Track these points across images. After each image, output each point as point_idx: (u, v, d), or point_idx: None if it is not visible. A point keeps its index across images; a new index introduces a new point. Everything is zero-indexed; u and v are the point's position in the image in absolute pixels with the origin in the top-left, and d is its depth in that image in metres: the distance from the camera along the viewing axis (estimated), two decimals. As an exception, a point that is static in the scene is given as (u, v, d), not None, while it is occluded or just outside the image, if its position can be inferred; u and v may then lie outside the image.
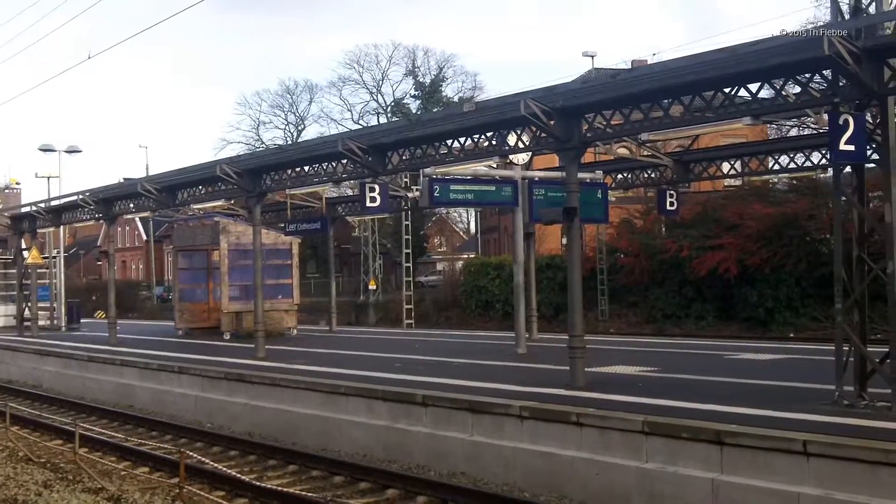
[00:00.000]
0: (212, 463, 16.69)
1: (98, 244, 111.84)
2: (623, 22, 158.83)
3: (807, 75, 14.92)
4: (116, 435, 21.62)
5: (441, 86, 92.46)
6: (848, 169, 15.59)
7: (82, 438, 18.77)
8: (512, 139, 20.57)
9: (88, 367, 31.27)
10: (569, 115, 18.37)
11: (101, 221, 40.57)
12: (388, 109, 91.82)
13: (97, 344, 35.26)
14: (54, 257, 51.09)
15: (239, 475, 16.15)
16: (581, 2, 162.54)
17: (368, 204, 24.33)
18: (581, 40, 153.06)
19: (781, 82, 15.32)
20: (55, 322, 49.51)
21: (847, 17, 14.92)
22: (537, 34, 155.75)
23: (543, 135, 19.30)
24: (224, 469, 16.43)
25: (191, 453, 16.79)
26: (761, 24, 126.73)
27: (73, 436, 18.51)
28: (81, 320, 50.86)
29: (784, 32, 15.13)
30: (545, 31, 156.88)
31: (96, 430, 21.87)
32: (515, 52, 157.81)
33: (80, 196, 37.58)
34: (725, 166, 27.21)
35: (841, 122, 14.00)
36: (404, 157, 23.06)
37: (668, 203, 27.58)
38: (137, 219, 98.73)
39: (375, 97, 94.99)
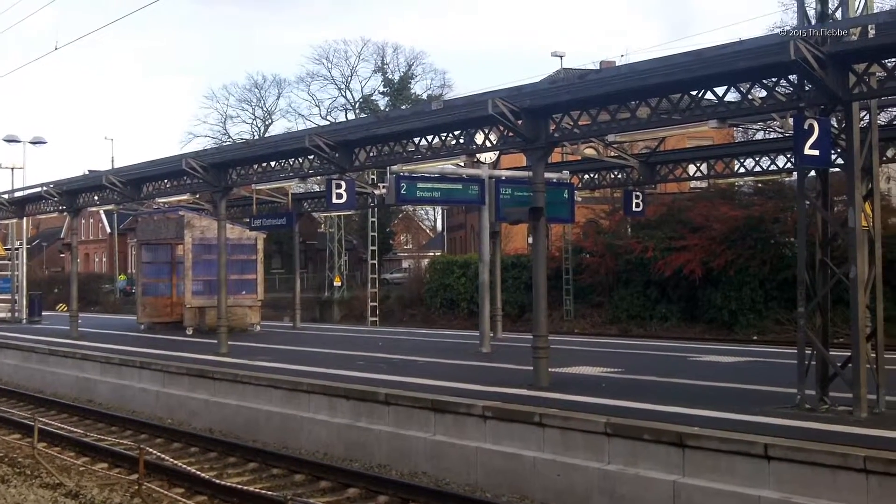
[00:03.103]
0: (171, 460, 16.59)
1: (61, 236, 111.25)
2: (594, 22, 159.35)
3: (773, 79, 14.97)
4: (76, 430, 21.40)
5: (410, 83, 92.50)
6: (812, 173, 15.66)
7: (41, 433, 18.59)
8: (479, 138, 20.56)
9: (48, 360, 31.04)
10: (536, 114, 18.37)
11: (65, 214, 40.27)
12: (357, 106, 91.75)
13: (58, 337, 34.99)
14: (16, 249, 50.74)
15: (199, 472, 16.05)
16: (551, 1, 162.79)
17: (335, 200, 24.26)
18: (551, 39, 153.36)
19: (748, 86, 15.38)
20: (16, 315, 49.16)
21: (813, 22, 14.99)
22: (507, 33, 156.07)
23: (511, 134, 19.29)
24: (184, 466, 16.30)
25: (150, 450, 16.68)
26: (734, 25, 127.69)
27: (31, 430, 18.33)
28: (43, 313, 50.53)
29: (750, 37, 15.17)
30: (515, 29, 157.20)
31: (55, 425, 21.74)
32: (484, 51, 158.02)
33: (45, 188, 37.28)
34: (691, 168, 27.29)
35: (806, 126, 14.05)
36: (371, 154, 23.00)
37: (634, 204, 27.64)
38: (101, 211, 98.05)
39: (344, 93, 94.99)
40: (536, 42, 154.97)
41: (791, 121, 16.09)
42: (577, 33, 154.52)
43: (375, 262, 56.24)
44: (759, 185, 42.89)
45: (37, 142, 53.78)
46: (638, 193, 27.69)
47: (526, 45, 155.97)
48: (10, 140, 53.13)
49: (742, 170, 26.75)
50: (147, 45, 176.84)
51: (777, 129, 24.70)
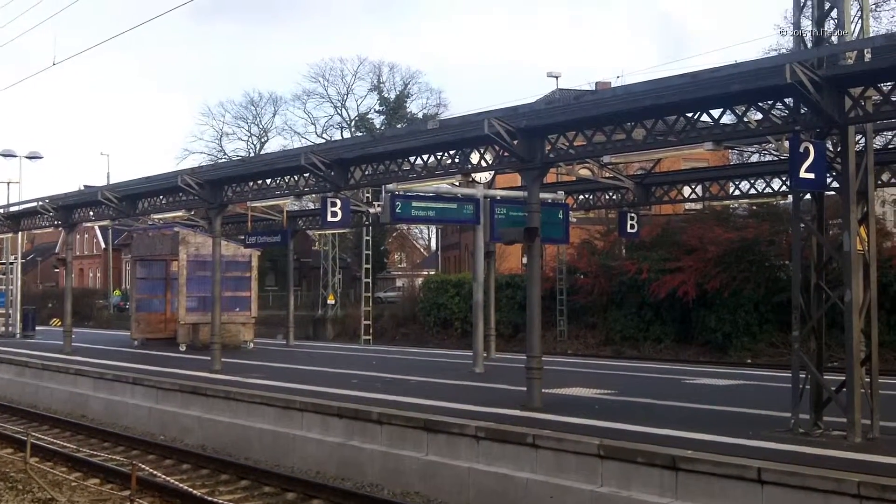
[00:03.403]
0: (163, 476, 16.48)
1: (56, 251, 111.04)
2: (590, 43, 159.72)
3: (769, 102, 14.99)
4: (68, 445, 21.36)
5: (406, 102, 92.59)
6: (808, 196, 15.66)
7: (34, 448, 18.51)
8: (475, 157, 20.57)
9: (42, 375, 30.96)
10: (532, 135, 18.38)
11: (60, 229, 40.22)
12: (352, 124, 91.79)
13: (52, 352, 34.91)
14: (11, 263, 50.68)
15: (190, 489, 15.98)
16: (547, 22, 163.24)
17: (330, 218, 24.27)
18: (546, 60, 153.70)
19: (743, 108, 15.39)
20: (10, 329, 49.06)
21: (809, 45, 15.02)
22: (502, 53, 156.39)
23: (506, 154, 19.29)
24: (175, 482, 16.21)
25: (142, 465, 16.59)
26: (730, 48, 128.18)
27: (24, 445, 18.24)
28: (37, 328, 50.42)
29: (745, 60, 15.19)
30: (510, 49, 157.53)
31: (48, 440, 21.64)
32: (480, 71, 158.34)
33: (40, 203, 37.27)
34: (686, 190, 27.31)
35: (802, 149, 14.05)
36: (367, 173, 23.00)
37: (628, 225, 27.65)
38: (96, 227, 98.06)
39: (340, 111, 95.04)
40: (532, 62, 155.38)
41: (786, 144, 16.10)
42: (573, 54, 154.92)
43: (369, 280, 56.18)
44: (754, 207, 42.90)
45: (33, 157, 53.71)
46: (633, 214, 27.70)
47: (522, 65, 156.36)
48: (7, 155, 53.02)
49: (737, 192, 26.79)
50: (144, 61, 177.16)
51: (772, 151, 24.71)
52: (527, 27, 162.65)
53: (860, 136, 15.28)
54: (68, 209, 36.23)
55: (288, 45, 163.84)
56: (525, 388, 18.75)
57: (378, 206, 30.59)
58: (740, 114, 15.47)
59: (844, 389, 14.56)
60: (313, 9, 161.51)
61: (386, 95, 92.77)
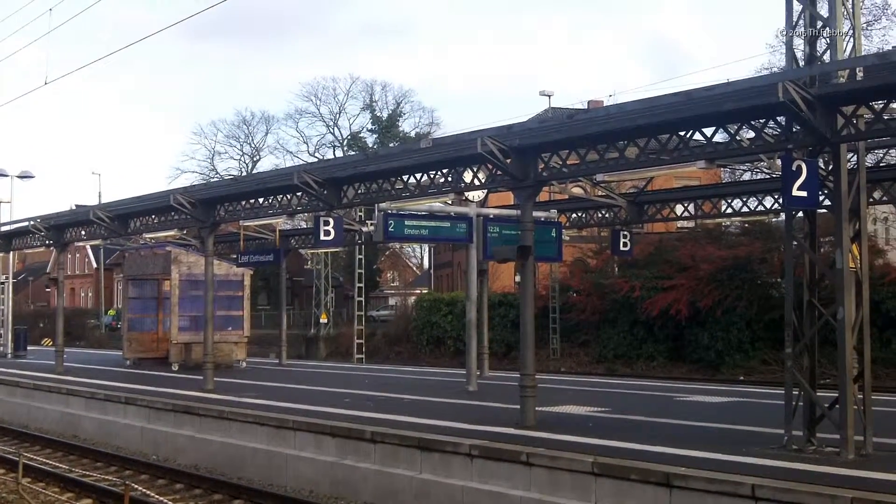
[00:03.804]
0: (156, 496, 16.46)
1: (47, 270, 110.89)
2: (583, 62, 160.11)
3: (761, 121, 15.02)
4: (61, 465, 21.29)
5: (398, 121, 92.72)
6: (800, 214, 15.70)
7: (26, 468, 18.48)
8: (468, 176, 20.55)
9: (34, 395, 30.87)
10: (525, 153, 18.40)
11: (52, 248, 40.17)
12: (345, 143, 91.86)
13: (43, 372, 34.82)
14: (2, 283, 50.56)
15: (184, 509, 15.97)
16: (540, 41, 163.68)
17: (322, 237, 24.28)
18: (539, 79, 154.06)
19: (736, 127, 15.42)
20: (1, 349, 48.91)
21: (801, 64, 15.08)
22: (495, 72, 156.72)
23: (499, 172, 19.30)
24: (169, 502, 16.20)
25: (135, 486, 16.57)
26: (722, 66, 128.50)
27: (16, 465, 18.19)
28: (28, 347, 50.25)
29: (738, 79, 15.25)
30: (503, 69, 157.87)
31: (40, 460, 21.62)
32: (473, 90, 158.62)
33: (32, 222, 37.19)
34: (679, 208, 27.34)
35: (794, 167, 14.10)
36: (360, 191, 23.00)
37: (621, 243, 27.70)
38: (88, 246, 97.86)
39: (332, 130, 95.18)
40: (525, 81, 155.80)
41: (779, 162, 16.15)
42: (566, 73, 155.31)
43: (362, 299, 56.19)
44: (746, 225, 43.02)
45: (24, 176, 53.80)
46: (625, 233, 27.75)
47: (514, 84, 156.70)
48: (-2, 174, 53.07)
49: (729, 210, 26.79)
50: (136, 81, 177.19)
51: (765, 169, 24.80)
52: (519, 47, 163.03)
53: (852, 154, 15.33)
54: (60, 228, 36.18)
55: (280, 66, 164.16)
56: (519, 406, 18.74)
57: (371, 224, 30.56)
58: (733, 132, 15.50)
59: (837, 406, 14.59)
60: (306, 30, 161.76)
61: (378, 114, 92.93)
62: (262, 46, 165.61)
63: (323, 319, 63.27)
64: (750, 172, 42.31)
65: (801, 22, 15.24)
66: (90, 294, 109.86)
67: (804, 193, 14.15)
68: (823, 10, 15.16)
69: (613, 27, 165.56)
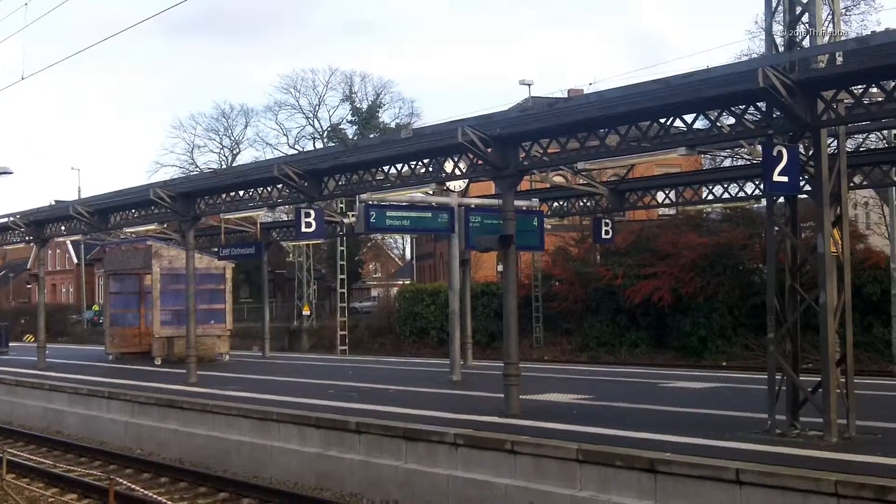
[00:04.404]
0: (141, 490, 16.44)
1: (28, 267, 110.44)
2: (562, 51, 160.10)
3: (741, 107, 15.07)
4: (45, 461, 21.25)
5: (378, 112, 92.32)
6: (781, 200, 15.73)
7: (10, 464, 18.40)
8: (449, 166, 20.55)
9: (16, 391, 30.77)
10: (506, 143, 18.40)
11: (32, 244, 40.00)
12: (325, 135, 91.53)
13: (26, 368, 34.71)
14: (-17, 280, 50.35)
15: (169, 502, 15.93)
16: (519, 31, 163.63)
17: (304, 229, 24.23)
18: (518, 68, 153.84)
19: (716, 114, 15.46)
20: (-18, 346, 48.73)
21: (781, 50, 15.10)
22: (474, 62, 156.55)
23: (480, 162, 19.30)
24: (154, 496, 16.14)
25: (120, 480, 16.56)
26: (701, 53, 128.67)
27: (0, 461, 18.14)
28: (10, 344, 50.09)
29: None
30: (482, 58, 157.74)
31: (24, 456, 21.56)
32: (453, 80, 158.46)
33: (11, 218, 37.07)
34: (660, 196, 27.38)
35: (775, 153, 14.13)
36: (340, 183, 22.96)
37: (603, 231, 27.71)
38: (68, 242, 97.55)
39: (312, 122, 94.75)
40: (504, 71, 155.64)
41: (759, 148, 16.19)
42: (545, 62, 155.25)
43: (344, 290, 56.08)
44: (728, 211, 43.16)
45: (3, 172, 53.30)
46: (607, 221, 27.77)
47: (494, 74, 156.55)
48: (-24, 170, 52.71)
49: (710, 197, 26.88)
50: (114, 76, 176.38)
51: (745, 155, 24.81)
52: (498, 37, 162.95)
53: (832, 139, 15.36)
54: (40, 224, 36.04)
55: (259, 61, 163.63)
56: (503, 395, 18.76)
57: (352, 216, 30.56)
58: (713, 119, 15.54)
59: (820, 390, 14.64)
60: (285, 26, 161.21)
61: (358, 105, 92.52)
62: (240, 42, 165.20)
63: (305, 312, 63.12)
64: (731, 159, 42.36)
65: (780, 7, 15.26)
66: (71, 290, 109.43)
67: (785, 179, 14.18)
68: (802, -5, 15.18)
69: (593, 17, 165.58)
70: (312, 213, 24.23)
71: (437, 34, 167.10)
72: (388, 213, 24.50)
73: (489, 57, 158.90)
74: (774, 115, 14.67)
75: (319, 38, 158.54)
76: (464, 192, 26.79)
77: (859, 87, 14.04)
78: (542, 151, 18.46)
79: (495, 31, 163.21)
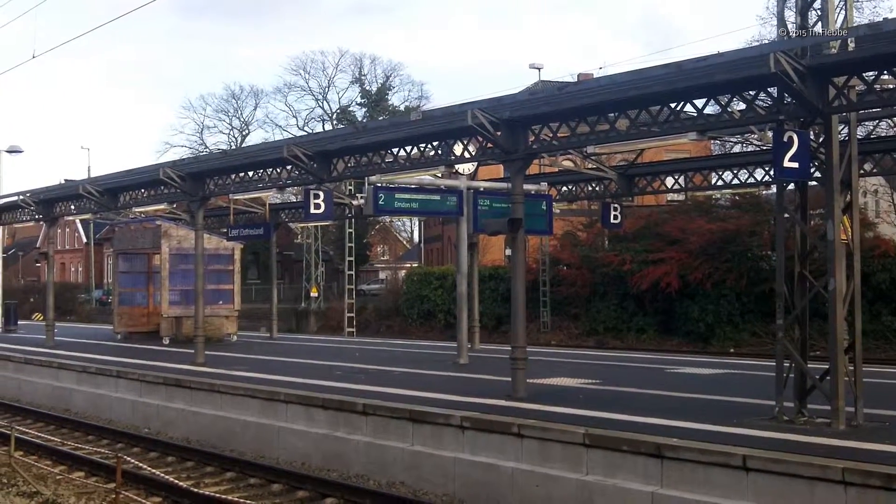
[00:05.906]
0: (149, 468, 16.49)
1: (37, 245, 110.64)
2: (572, 36, 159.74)
3: (752, 92, 15.02)
4: (53, 438, 21.29)
5: (387, 94, 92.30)
6: (791, 186, 15.70)
7: (18, 441, 18.49)
8: (458, 149, 20.54)
9: (24, 369, 30.85)
10: (515, 126, 18.37)
11: (42, 223, 40.06)
12: (334, 117, 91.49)
13: (34, 346, 34.80)
14: (-8, 258, 50.50)
15: (176, 481, 16.00)
16: (528, 16, 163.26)
17: (312, 211, 24.18)
18: (528, 52, 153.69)
19: (727, 99, 15.41)
20: (-8, 323, 48.90)
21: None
22: (484, 45, 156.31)
23: (489, 145, 19.29)
24: (161, 475, 16.23)
25: (128, 458, 16.62)
26: (712, 39, 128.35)
27: (8, 439, 18.23)
28: (18, 322, 50.24)
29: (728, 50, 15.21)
30: (492, 42, 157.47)
31: (32, 434, 21.63)
32: (462, 63, 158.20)
33: (21, 196, 37.15)
34: (669, 181, 27.28)
35: (785, 139, 14.08)
36: (350, 165, 22.95)
37: (611, 216, 27.64)
38: (78, 221, 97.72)
39: (321, 104, 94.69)
40: (514, 55, 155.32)
41: (769, 134, 16.13)
42: (556, 47, 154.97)
43: (352, 272, 56.15)
44: (737, 198, 43.08)
45: (13, 151, 53.58)
46: (616, 206, 27.69)
47: (503, 57, 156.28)
48: (-14, 148, 52.85)
49: (720, 182, 26.79)
50: (126, 56, 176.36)
51: (755, 141, 24.78)
52: (509, 22, 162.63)
53: (843, 126, 15.31)
54: (49, 203, 36.10)
55: (270, 43, 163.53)
56: (510, 379, 18.77)
57: (361, 198, 30.50)
58: (724, 104, 15.50)
59: (828, 377, 14.63)
60: (296, 8, 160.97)
61: (367, 88, 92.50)
62: (251, 23, 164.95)
63: (313, 293, 63.19)
64: (740, 145, 42.38)
65: (792, -7, 15.20)
66: (80, 269, 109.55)
67: (795, 165, 14.14)
68: (814, -19, 15.12)
69: (603, 2, 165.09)
70: (321, 194, 24.20)
71: (447, 17, 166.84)
72: (397, 196, 24.51)
73: (499, 41, 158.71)
74: (785, 101, 14.62)
75: (330, 20, 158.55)
76: (472, 176, 26.78)
77: (871, 73, 14.01)
78: (551, 135, 18.43)
79: (505, 14, 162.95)
